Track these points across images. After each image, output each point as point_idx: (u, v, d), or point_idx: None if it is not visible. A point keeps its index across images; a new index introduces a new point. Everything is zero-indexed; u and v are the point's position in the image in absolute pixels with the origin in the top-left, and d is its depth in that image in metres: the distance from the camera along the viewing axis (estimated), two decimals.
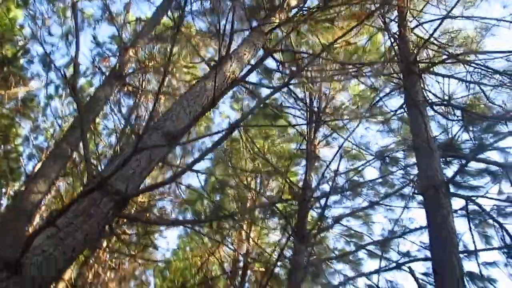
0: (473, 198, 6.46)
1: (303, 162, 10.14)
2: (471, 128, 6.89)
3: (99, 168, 10.92)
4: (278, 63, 6.92)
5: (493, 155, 7.30)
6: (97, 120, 11.75)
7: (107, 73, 9.86)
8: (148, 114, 11.49)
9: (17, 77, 11.27)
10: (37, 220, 10.83)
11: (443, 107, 7.17)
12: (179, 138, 4.24)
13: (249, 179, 10.69)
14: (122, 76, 8.99)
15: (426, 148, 5.64)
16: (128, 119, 11.90)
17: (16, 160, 11.45)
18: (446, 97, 6.95)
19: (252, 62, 6.10)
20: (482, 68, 6.48)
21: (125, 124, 11.79)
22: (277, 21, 6.57)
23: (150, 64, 11.06)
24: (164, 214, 11.18)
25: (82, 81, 12.65)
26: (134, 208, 9.88)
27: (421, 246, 7.91)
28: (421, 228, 8.26)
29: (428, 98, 6.98)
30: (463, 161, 6.96)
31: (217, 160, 11.41)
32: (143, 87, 11.30)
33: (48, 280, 2.50)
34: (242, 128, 8.59)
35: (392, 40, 7.20)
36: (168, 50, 11.03)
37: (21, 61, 11.78)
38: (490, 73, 6.47)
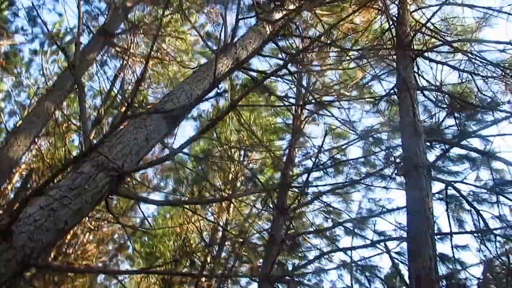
0: (453, 183, 6.62)
1: (288, 137, 10.18)
2: (457, 115, 6.98)
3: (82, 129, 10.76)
4: (279, 48, 6.92)
5: (475, 143, 7.44)
6: (82, 80, 11.49)
7: (95, 32, 9.60)
8: (136, 78, 11.30)
9: (1, 29, 10.88)
10: (16, 178, 10.69)
11: (433, 93, 7.22)
12: (179, 120, 4.24)
13: (233, 150, 10.70)
14: (111, 34, 8.76)
15: (412, 131, 5.71)
16: (114, 82, 11.69)
17: None
18: (438, 83, 7.00)
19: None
20: (477, 58, 6.52)
21: (110, 86, 11.58)
22: (284, 12, 6.59)
23: (140, 26, 10.79)
24: (146, 180, 11.17)
25: (68, 38, 12.31)
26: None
27: (397, 226, 8.11)
28: (398, 208, 8.46)
29: (419, 83, 7.02)
30: (446, 147, 7.08)
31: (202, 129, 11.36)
32: (132, 49, 11.05)
33: (39, 250, 2.49)
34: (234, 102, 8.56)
35: (390, 22, 7.15)
36: (160, 13, 10.75)
37: (5, 13, 11.36)
38: (484, 63, 6.51)
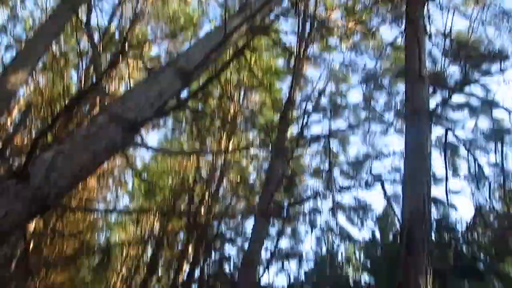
0: (452, 129, 6.67)
1: (289, 79, 10.06)
2: (462, 63, 6.90)
3: (81, 66, 10.58)
4: None
5: (477, 91, 7.44)
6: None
7: None
8: (135, 14, 10.97)
9: None
10: (15, 113, 10.62)
11: (440, 40, 7.08)
12: (193, 76, 4.16)
13: (232, 90, 10.61)
14: None
15: (417, 75, 5.65)
16: (112, 16, 11.34)
17: None
18: (447, 31, 6.83)
19: None
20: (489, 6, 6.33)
21: (109, 22, 11.25)
22: None
23: None
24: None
25: None
26: None
27: (393, 170, 8.28)
28: (395, 153, 8.61)
29: (428, 29, 6.85)
30: (448, 93, 7.06)
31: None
32: None
33: (55, 192, 2.52)
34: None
35: None
36: None
37: None
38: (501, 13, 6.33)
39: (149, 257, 14.01)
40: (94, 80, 9.38)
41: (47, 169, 2.56)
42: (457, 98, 7.89)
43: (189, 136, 10.39)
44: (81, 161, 2.71)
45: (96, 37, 11.70)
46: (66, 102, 8.50)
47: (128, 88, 3.64)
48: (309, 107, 8.92)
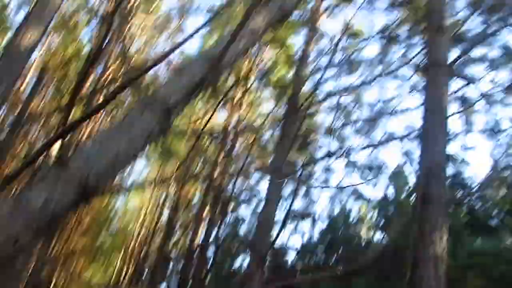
0: (472, 83, 6.53)
1: (304, 33, 9.80)
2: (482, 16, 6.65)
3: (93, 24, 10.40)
4: None
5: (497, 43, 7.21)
6: None
7: None
8: None
9: None
10: (30, 77, 10.61)
11: None
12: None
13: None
14: None
15: (437, 27, 5.47)
16: None
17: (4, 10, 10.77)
18: None
19: None
20: None
21: None
22: None
23: None
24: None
25: None
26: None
27: (408, 127, 8.19)
28: (409, 110, 8.48)
29: None
30: (468, 46, 6.86)
31: (214, 26, 11.03)
32: None
33: (94, 179, 2.54)
34: None
35: None
36: None
37: None
38: None
39: (165, 221, 14.35)
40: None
41: (86, 156, 2.61)
42: (477, 51, 7.67)
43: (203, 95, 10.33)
44: (117, 149, 2.77)
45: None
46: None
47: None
48: (324, 63, 8.72)
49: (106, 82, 9.83)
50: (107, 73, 9.57)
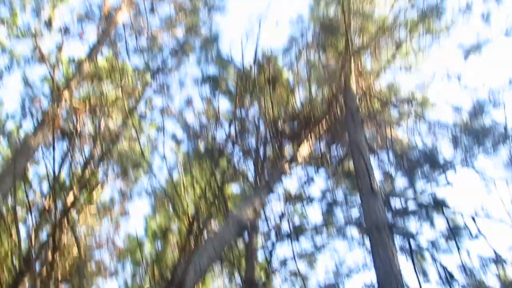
0: (413, 236, 6.81)
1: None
2: (407, 172, 7.37)
3: (29, 219, 10.06)
4: None
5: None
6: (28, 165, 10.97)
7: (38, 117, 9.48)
8: (84, 159, 10.97)
9: None
10: None
11: (384, 153, 7.65)
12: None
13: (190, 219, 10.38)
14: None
15: (369, 191, 5.89)
16: (62, 164, 11.22)
17: None
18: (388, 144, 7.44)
19: None
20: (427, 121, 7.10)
21: (59, 171, 11.08)
22: None
23: (85, 105, 10.70)
24: (102, 265, 10.57)
25: (10, 125, 11.89)
26: None
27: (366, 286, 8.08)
28: (364, 267, 8.50)
29: (371, 145, 7.42)
30: (403, 202, 7.37)
31: (158, 204, 11.14)
32: (78, 130, 10.85)
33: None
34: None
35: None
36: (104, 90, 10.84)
37: None
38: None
39: None
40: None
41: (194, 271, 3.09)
42: (411, 205, 8.21)
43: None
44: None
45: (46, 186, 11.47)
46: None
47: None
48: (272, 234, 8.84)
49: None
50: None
